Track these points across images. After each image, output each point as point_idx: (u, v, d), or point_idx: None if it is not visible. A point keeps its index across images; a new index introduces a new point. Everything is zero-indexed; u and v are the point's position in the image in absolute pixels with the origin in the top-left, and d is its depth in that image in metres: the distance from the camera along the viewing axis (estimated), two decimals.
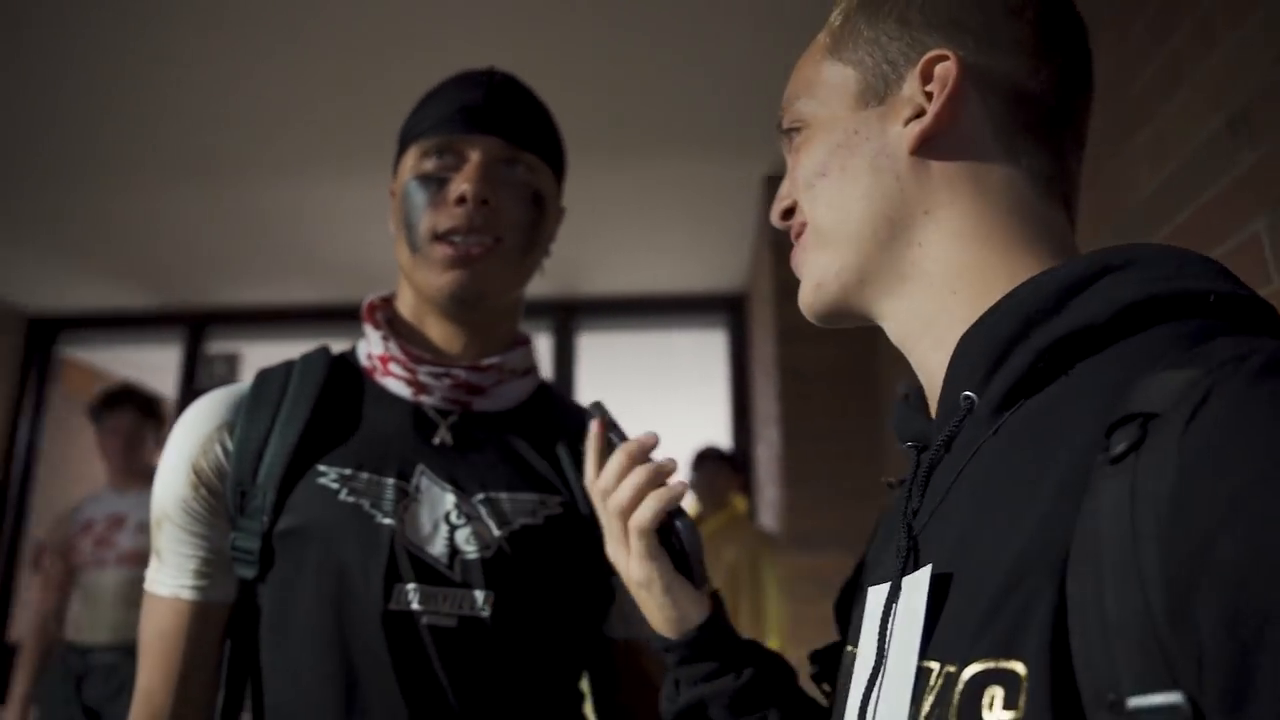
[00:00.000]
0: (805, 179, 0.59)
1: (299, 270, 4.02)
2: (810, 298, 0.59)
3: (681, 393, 5.83)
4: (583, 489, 0.90)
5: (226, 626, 0.86)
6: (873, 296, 0.57)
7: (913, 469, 0.55)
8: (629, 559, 0.70)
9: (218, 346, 4.46)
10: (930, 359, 0.54)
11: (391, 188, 0.93)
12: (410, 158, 0.89)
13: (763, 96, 2.47)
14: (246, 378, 0.91)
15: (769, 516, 3.30)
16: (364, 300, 0.95)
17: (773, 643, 2.89)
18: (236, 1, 2.24)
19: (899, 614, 0.47)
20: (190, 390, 4.29)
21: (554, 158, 0.94)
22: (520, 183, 0.89)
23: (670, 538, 0.69)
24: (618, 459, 0.71)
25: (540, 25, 2.32)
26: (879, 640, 0.48)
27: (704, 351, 4.65)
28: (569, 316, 4.15)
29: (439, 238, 0.86)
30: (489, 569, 0.82)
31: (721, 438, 3.97)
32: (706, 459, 3.24)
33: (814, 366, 2.97)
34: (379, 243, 3.79)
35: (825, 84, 0.60)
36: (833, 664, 0.65)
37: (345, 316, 4.46)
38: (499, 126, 0.88)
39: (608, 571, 0.86)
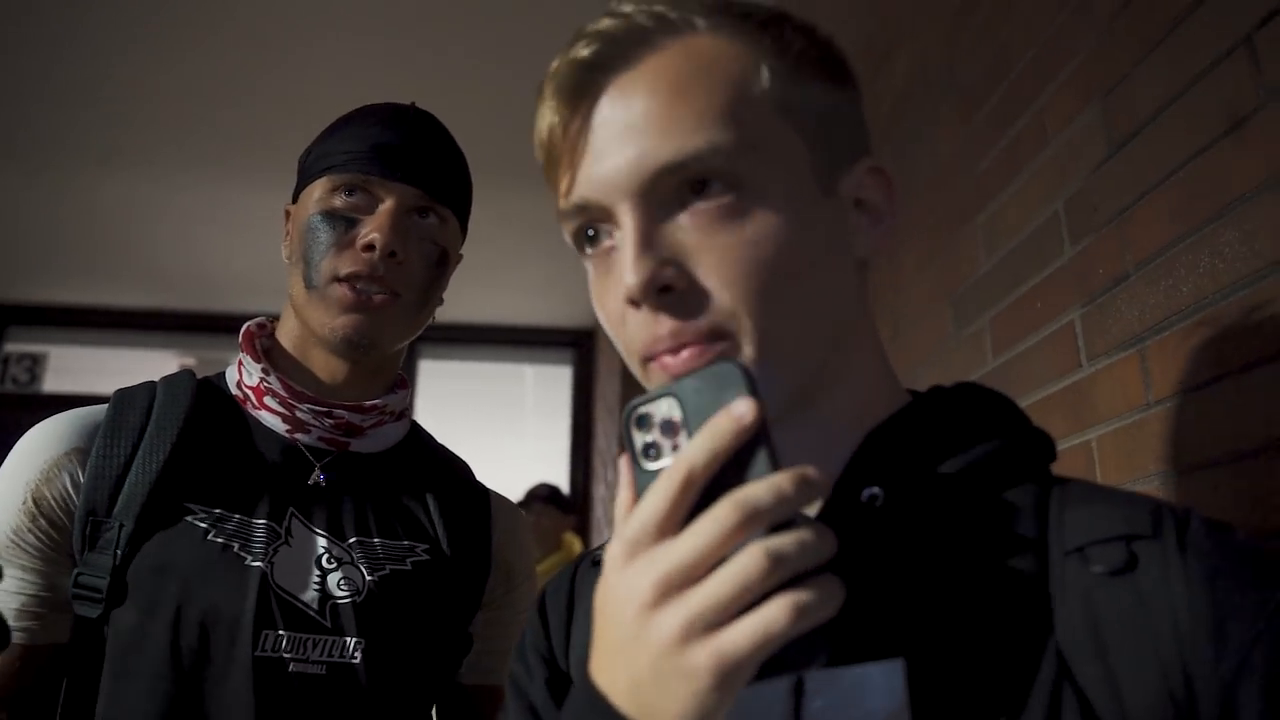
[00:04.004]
0: (759, 275, 0.44)
1: (118, 271, 3.67)
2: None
3: (525, 428, 5.74)
4: (449, 535, 0.89)
5: (61, 669, 0.80)
6: (799, 399, 0.49)
7: None
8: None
9: (18, 346, 3.93)
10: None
11: (288, 209, 0.91)
12: (318, 189, 0.87)
13: None
14: (50, 383, 0.82)
15: None
16: (241, 327, 0.92)
17: None
18: None
19: (830, 709, 0.43)
20: None
21: (464, 209, 0.94)
22: (429, 237, 0.89)
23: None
24: (729, 514, 0.36)
25: (399, 41, 2.25)
26: None
27: (549, 387, 4.61)
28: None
29: (340, 280, 0.85)
30: (360, 615, 0.81)
31: (561, 475, 3.92)
32: (534, 499, 3.13)
33: None
34: (210, 250, 3.53)
35: (773, 146, 0.46)
36: None
37: (167, 325, 4.10)
38: (416, 175, 0.87)
39: (467, 619, 0.89)
